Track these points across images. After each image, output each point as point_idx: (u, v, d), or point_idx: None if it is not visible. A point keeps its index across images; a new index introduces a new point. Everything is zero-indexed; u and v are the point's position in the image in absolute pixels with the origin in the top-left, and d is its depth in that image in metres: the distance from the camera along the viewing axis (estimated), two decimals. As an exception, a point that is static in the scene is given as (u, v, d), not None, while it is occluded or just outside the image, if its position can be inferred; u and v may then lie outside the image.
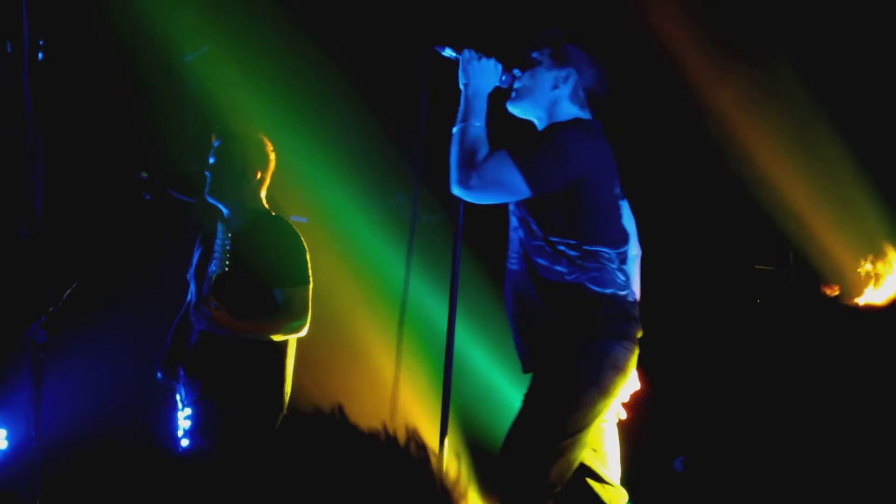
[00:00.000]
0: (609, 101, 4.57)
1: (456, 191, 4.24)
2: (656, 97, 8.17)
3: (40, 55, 7.27)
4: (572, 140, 4.28)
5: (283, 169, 5.84)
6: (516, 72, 4.49)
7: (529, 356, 4.37)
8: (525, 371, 4.41)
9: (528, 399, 4.27)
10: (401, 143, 8.55)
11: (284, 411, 5.50)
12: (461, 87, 4.37)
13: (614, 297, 4.30)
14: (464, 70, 4.37)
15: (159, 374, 5.62)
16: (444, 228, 8.18)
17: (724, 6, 7.91)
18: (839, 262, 7.51)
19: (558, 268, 4.25)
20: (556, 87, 4.46)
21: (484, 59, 4.38)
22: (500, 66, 4.41)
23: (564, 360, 4.22)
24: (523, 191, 4.19)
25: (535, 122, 4.53)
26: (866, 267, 7.34)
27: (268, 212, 5.64)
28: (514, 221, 4.40)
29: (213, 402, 5.34)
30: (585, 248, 4.27)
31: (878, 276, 7.30)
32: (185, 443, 5.42)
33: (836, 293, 7.48)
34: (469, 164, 4.17)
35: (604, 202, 4.35)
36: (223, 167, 5.56)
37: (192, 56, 8.11)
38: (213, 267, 5.19)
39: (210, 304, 5.14)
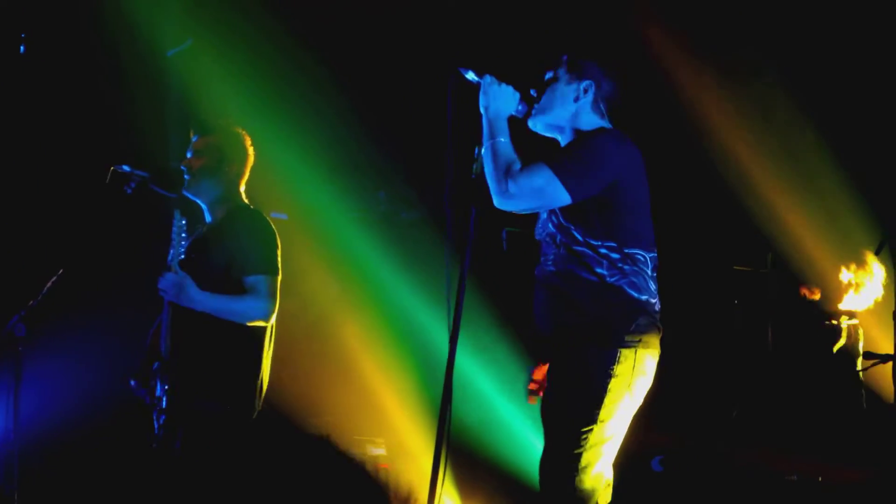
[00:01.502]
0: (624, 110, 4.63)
1: (498, 203, 4.34)
2: (641, 101, 8.20)
3: (22, 48, 7.27)
4: (605, 146, 4.38)
5: (264, 165, 5.83)
6: (532, 92, 4.57)
7: (562, 352, 4.40)
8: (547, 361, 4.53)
9: (565, 401, 4.36)
10: (381, 140, 8.57)
11: (259, 406, 5.49)
12: (482, 109, 4.46)
13: (648, 304, 4.41)
14: (485, 93, 4.45)
15: (132, 382, 5.58)
16: (424, 225, 8.20)
17: (712, 17, 7.95)
18: (820, 267, 7.55)
19: (599, 270, 4.33)
20: (577, 99, 4.54)
21: (504, 85, 4.47)
22: (517, 94, 4.50)
23: (603, 364, 4.30)
24: (563, 198, 4.28)
25: (559, 137, 4.61)
26: (847, 275, 7.37)
27: (246, 206, 5.63)
28: (549, 227, 4.45)
29: (190, 395, 5.33)
30: (626, 250, 4.37)
31: (857, 285, 7.33)
32: (160, 437, 5.41)
33: (817, 297, 7.51)
34: (507, 175, 4.28)
35: (638, 205, 4.46)
36: (200, 161, 5.55)
37: (175, 51, 8.10)
38: (171, 254, 5.19)
39: (176, 271, 5.17)
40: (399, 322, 7.96)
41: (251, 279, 5.38)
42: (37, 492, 6.58)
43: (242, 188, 5.65)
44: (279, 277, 5.47)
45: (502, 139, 4.37)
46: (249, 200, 5.68)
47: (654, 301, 4.44)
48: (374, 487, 7.24)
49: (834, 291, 7.48)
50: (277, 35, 8.44)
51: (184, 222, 5.21)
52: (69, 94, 7.59)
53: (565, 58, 4.60)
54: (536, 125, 4.58)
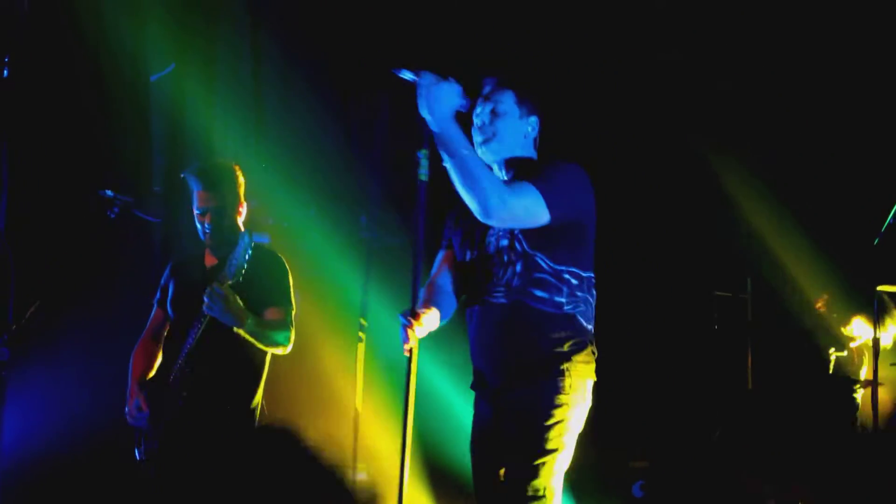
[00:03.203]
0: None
1: (483, 217, 4.22)
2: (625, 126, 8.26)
3: (5, 72, 7.27)
4: (579, 173, 4.44)
5: (246, 189, 5.86)
6: (476, 121, 4.52)
7: (510, 386, 4.42)
8: (495, 399, 4.50)
9: (522, 434, 4.36)
10: (363, 165, 8.59)
11: (256, 422, 5.59)
12: (425, 115, 4.22)
13: (592, 335, 4.50)
14: (425, 96, 4.21)
15: (126, 409, 5.63)
16: (403, 251, 8.21)
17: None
18: (799, 290, 7.59)
19: (557, 298, 4.37)
20: (526, 136, 4.57)
21: (443, 83, 4.26)
22: (459, 88, 4.31)
23: (557, 395, 4.34)
24: (544, 219, 4.27)
25: (499, 163, 4.58)
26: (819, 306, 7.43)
27: (256, 244, 5.71)
28: (504, 257, 4.42)
29: (192, 420, 5.40)
30: (584, 274, 4.45)
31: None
32: (150, 456, 5.46)
33: (824, 303, 7.54)
34: (495, 192, 4.14)
35: (593, 232, 4.53)
36: (213, 216, 5.59)
37: (158, 75, 8.11)
38: (230, 270, 5.21)
39: (224, 289, 5.21)
40: (381, 347, 7.97)
41: (276, 311, 5.54)
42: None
43: (242, 219, 5.73)
44: (294, 311, 5.60)
45: (465, 151, 4.18)
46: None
47: (593, 333, 4.52)
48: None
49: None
50: (260, 59, 8.48)
51: (250, 245, 5.25)
52: (52, 118, 7.59)
53: (513, 93, 4.54)
54: (486, 154, 4.51)
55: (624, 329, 8.20)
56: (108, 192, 5.71)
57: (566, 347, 4.37)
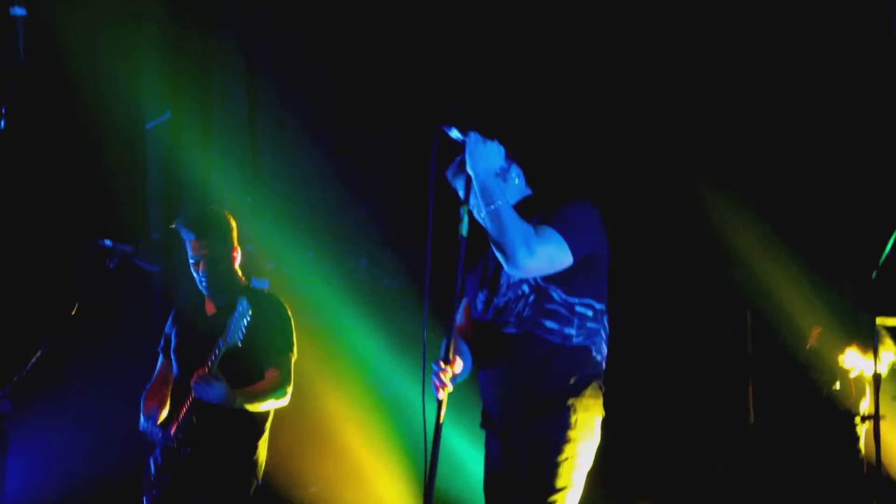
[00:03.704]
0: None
1: (512, 269, 4.27)
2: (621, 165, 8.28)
3: (2, 123, 7.30)
4: (592, 209, 4.47)
5: (245, 234, 5.88)
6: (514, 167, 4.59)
7: (517, 423, 4.42)
8: (504, 436, 4.48)
9: (534, 471, 4.35)
10: (363, 208, 8.60)
11: (259, 480, 5.59)
12: (470, 170, 4.29)
13: (602, 368, 4.49)
14: (471, 153, 4.29)
15: (149, 429, 5.65)
16: (406, 292, 8.21)
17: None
18: (798, 325, 7.57)
19: (567, 330, 4.37)
20: (517, 183, 4.60)
21: (489, 142, 4.35)
22: (502, 149, 4.44)
23: (568, 431, 4.34)
24: (567, 261, 4.31)
25: None
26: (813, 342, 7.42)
27: (248, 286, 5.74)
28: (522, 289, 4.44)
29: (196, 470, 5.41)
30: (597, 306, 4.46)
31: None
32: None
33: (816, 338, 7.51)
34: (526, 242, 4.19)
35: (607, 263, 4.54)
36: (209, 265, 5.61)
37: (154, 123, 8.14)
38: (229, 338, 5.24)
39: (213, 375, 5.24)
40: (382, 390, 7.96)
41: (279, 360, 5.58)
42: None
43: (238, 266, 5.75)
44: (294, 354, 5.63)
45: (500, 201, 4.23)
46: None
47: (603, 366, 4.51)
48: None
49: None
50: (255, 105, 8.51)
51: (248, 310, 5.27)
52: (49, 168, 7.61)
53: (504, 150, 4.51)
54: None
55: (625, 366, 8.20)
56: (107, 242, 5.72)
57: (573, 381, 4.37)
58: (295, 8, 8.48)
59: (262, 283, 7.85)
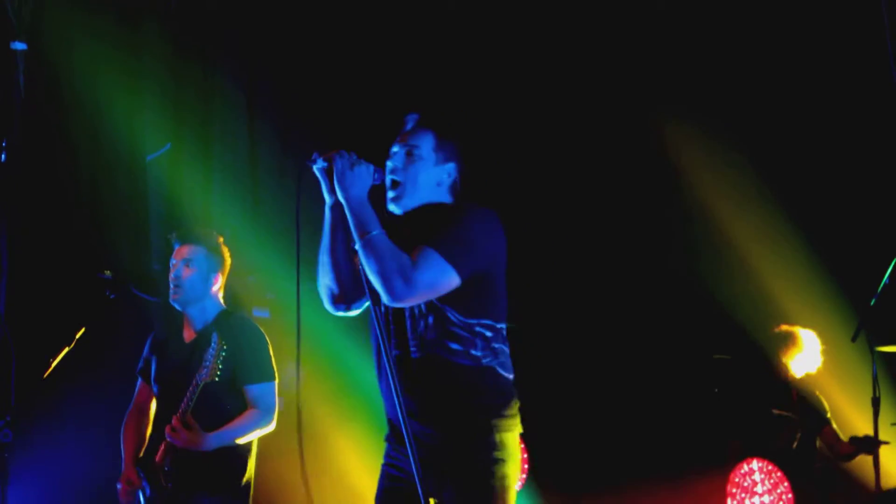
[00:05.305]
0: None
1: (390, 301, 4.11)
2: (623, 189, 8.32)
3: (3, 156, 7.32)
4: (488, 225, 4.30)
5: (246, 265, 5.91)
6: (389, 164, 4.37)
7: (438, 443, 4.24)
8: (421, 457, 4.11)
9: (463, 498, 4.21)
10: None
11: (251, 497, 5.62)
12: (341, 198, 4.18)
13: (512, 385, 4.35)
14: (339, 181, 4.16)
15: (119, 487, 5.67)
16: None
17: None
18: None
19: (474, 352, 4.22)
20: (439, 184, 4.40)
21: (357, 167, 4.18)
22: (371, 167, 4.24)
23: (491, 453, 4.21)
24: (455, 283, 4.15)
25: (409, 210, 4.42)
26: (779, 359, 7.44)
27: (228, 311, 5.76)
28: (416, 309, 4.24)
29: (183, 499, 5.43)
30: (498, 325, 4.29)
31: (787, 367, 7.40)
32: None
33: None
34: (399, 274, 4.05)
35: (504, 282, 4.37)
36: (188, 273, 5.64)
37: (154, 155, 8.17)
38: (203, 375, 5.27)
39: (186, 425, 5.30)
40: (384, 419, 7.95)
41: (257, 388, 5.59)
42: None
43: (221, 294, 5.78)
44: (277, 382, 5.65)
45: (375, 231, 4.11)
46: (230, 301, 5.81)
47: (512, 382, 4.36)
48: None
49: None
50: (256, 137, 8.54)
51: (224, 347, 5.30)
52: (49, 200, 7.64)
53: (433, 136, 4.39)
54: (397, 208, 4.40)
55: (623, 392, 8.22)
56: (107, 274, 5.76)
57: (489, 401, 4.24)
58: (295, 43, 8.53)
59: (263, 313, 7.88)
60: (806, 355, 7.39)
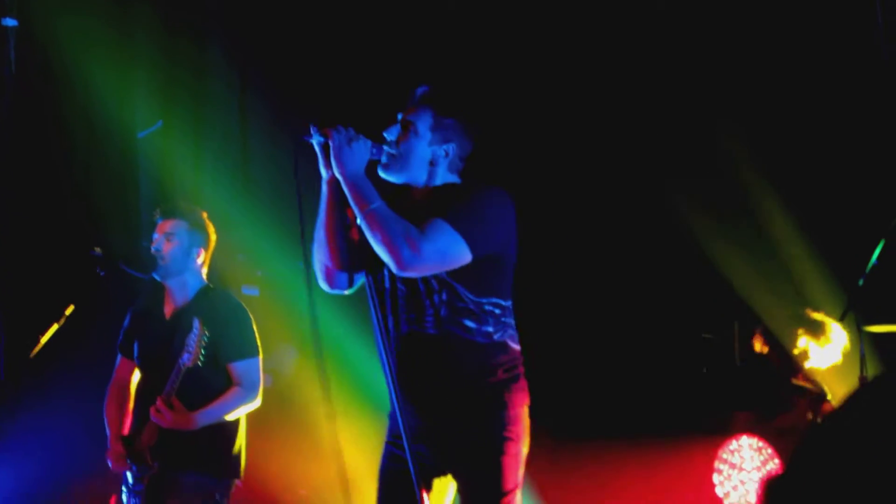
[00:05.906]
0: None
1: (399, 271, 4.08)
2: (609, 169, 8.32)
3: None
4: (502, 204, 4.30)
5: (235, 242, 5.91)
6: (387, 135, 4.32)
7: (450, 418, 4.26)
8: (432, 432, 4.27)
9: (476, 477, 4.25)
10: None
11: (240, 479, 5.62)
12: (338, 175, 4.14)
13: (521, 355, 4.37)
14: (336, 157, 4.12)
15: (110, 463, 5.68)
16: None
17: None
18: (783, 334, 7.55)
19: (486, 328, 4.23)
20: (434, 163, 4.35)
21: (354, 142, 4.14)
22: (368, 143, 4.20)
23: (505, 429, 4.23)
24: (466, 257, 4.13)
25: (411, 183, 4.38)
26: (800, 343, 7.38)
27: (210, 287, 5.77)
28: (431, 284, 4.21)
29: (170, 477, 5.44)
30: (504, 303, 4.31)
31: (806, 353, 7.35)
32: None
33: (764, 350, 7.49)
34: (406, 241, 4.02)
35: (514, 261, 4.38)
36: (171, 246, 5.65)
37: (146, 132, 8.17)
38: (186, 360, 5.29)
39: (170, 406, 5.31)
40: (372, 395, 7.97)
41: (241, 365, 5.58)
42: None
43: (205, 270, 5.78)
44: (261, 357, 5.63)
45: (376, 203, 4.09)
46: (216, 278, 5.82)
47: (520, 348, 4.38)
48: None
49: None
50: (247, 115, 8.54)
51: (206, 333, 5.32)
52: (41, 176, 7.64)
53: (431, 115, 4.34)
54: (388, 175, 4.35)
55: (612, 371, 8.23)
56: (97, 251, 5.77)
57: (502, 376, 4.25)
58: (287, 19, 8.52)
59: (252, 291, 7.89)
60: (831, 348, 7.32)
